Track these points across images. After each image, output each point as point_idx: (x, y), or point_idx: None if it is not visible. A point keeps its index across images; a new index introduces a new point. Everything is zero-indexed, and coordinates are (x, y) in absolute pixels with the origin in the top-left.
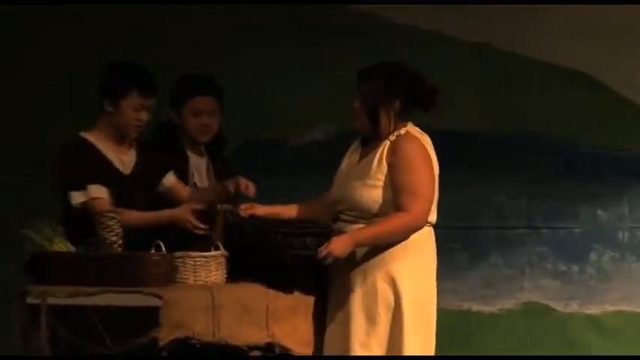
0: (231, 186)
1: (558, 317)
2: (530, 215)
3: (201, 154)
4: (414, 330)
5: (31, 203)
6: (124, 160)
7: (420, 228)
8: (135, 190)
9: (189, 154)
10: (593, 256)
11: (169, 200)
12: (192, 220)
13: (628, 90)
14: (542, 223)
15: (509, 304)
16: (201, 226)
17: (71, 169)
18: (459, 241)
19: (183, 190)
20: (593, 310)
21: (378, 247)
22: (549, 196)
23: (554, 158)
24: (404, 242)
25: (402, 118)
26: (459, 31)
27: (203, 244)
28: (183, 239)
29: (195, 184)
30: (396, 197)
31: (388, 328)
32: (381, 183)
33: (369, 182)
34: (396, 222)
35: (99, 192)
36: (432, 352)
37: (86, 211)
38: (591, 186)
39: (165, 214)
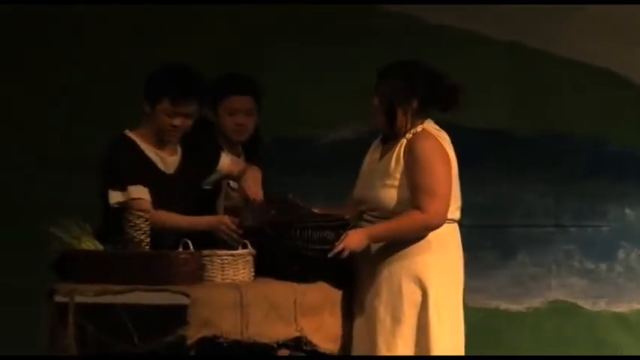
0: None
1: (586, 316)
2: (558, 214)
3: (238, 154)
4: (441, 328)
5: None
6: (168, 160)
7: (436, 227)
8: (178, 189)
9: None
10: (621, 255)
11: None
12: (229, 224)
13: None
14: (570, 222)
15: (536, 302)
16: (235, 236)
17: (112, 167)
18: (487, 239)
19: (238, 169)
20: (621, 308)
21: (403, 246)
22: (577, 194)
23: (582, 157)
24: (428, 240)
25: (420, 116)
26: (489, 29)
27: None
28: (210, 237)
29: (228, 184)
30: (412, 196)
31: (415, 328)
32: (397, 182)
33: (388, 182)
34: (412, 220)
35: (139, 192)
36: (461, 351)
37: (124, 211)
38: (619, 184)
39: (203, 221)
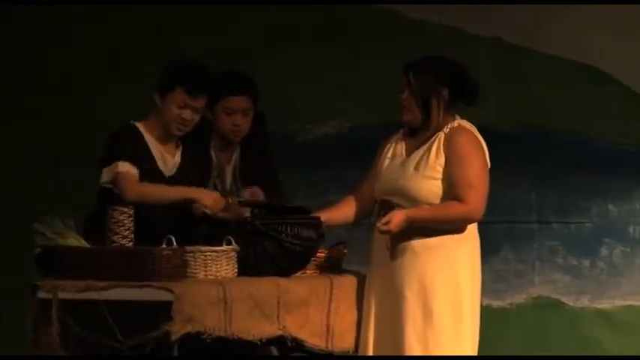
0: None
1: (569, 312)
2: (541, 210)
3: (232, 153)
4: (473, 322)
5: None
6: (169, 161)
7: (476, 219)
8: None
9: (215, 154)
10: (604, 251)
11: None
12: (220, 201)
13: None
14: (553, 218)
15: (519, 298)
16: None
17: (109, 148)
18: None
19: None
20: (604, 304)
21: (434, 236)
22: (560, 190)
23: (565, 153)
24: (465, 234)
25: (450, 108)
26: (472, 26)
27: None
28: (194, 229)
29: (215, 185)
30: (452, 189)
31: (449, 322)
32: (439, 175)
33: (427, 173)
34: (453, 210)
35: (124, 167)
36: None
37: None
38: (602, 181)
39: (192, 191)
